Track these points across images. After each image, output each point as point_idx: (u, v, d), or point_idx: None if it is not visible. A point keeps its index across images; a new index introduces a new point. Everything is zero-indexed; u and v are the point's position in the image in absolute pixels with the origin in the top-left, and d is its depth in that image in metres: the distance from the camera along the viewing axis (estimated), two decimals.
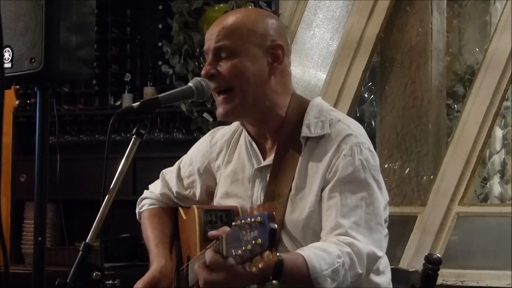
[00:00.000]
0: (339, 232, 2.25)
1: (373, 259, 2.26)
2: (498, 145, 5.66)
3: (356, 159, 2.31)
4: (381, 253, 2.29)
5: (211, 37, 2.43)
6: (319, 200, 2.32)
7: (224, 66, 2.38)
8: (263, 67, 2.39)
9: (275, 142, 2.45)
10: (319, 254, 2.16)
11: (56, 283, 2.10)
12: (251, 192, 2.46)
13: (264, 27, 2.42)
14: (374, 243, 2.27)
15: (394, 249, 4.37)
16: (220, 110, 2.42)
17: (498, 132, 5.62)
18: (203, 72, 2.41)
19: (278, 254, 2.05)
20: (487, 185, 5.60)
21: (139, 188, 2.82)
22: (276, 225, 1.83)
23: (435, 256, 2.55)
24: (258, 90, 2.39)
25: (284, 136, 2.42)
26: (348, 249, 2.19)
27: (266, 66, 2.40)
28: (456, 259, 4.37)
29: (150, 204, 2.74)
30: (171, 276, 2.54)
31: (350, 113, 4.82)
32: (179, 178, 2.69)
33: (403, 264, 4.34)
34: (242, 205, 2.46)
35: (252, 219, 1.85)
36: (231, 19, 2.43)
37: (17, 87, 5.59)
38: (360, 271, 2.21)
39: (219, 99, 2.41)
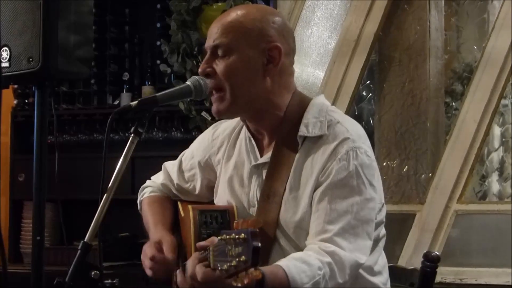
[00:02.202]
0: (323, 238, 2.24)
1: (355, 267, 2.25)
2: (496, 143, 5.65)
3: (350, 164, 2.29)
4: (364, 259, 2.27)
5: (210, 34, 2.42)
6: (312, 201, 2.32)
7: (219, 66, 2.38)
8: (257, 68, 2.38)
9: (273, 139, 2.44)
10: (300, 266, 2.15)
11: (55, 282, 2.10)
12: (247, 189, 2.46)
13: (262, 27, 2.39)
14: (359, 249, 2.26)
15: (393, 247, 4.37)
16: (213, 108, 2.42)
17: (497, 130, 5.61)
18: (200, 69, 2.41)
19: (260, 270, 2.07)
20: (486, 183, 5.60)
21: (137, 187, 2.82)
22: (259, 244, 1.84)
23: (434, 253, 2.56)
24: (251, 91, 2.38)
25: (282, 134, 2.41)
26: (329, 259, 2.19)
27: (261, 67, 2.38)
28: (455, 257, 4.37)
29: (151, 192, 2.73)
30: (174, 248, 2.47)
31: (348, 111, 4.81)
32: (180, 170, 2.68)
33: (402, 262, 4.34)
34: (240, 201, 2.46)
35: (237, 236, 1.88)
36: (230, 17, 2.41)
37: (15, 86, 5.60)
38: (340, 280, 2.21)
39: (213, 97, 2.41)
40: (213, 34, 2.41)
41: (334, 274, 2.19)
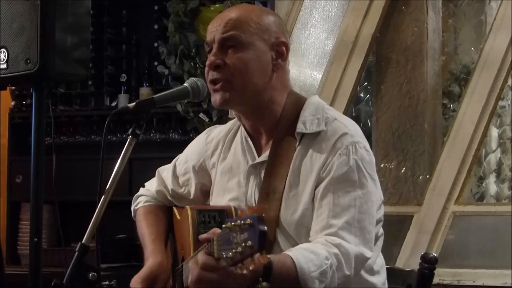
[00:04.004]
0: (328, 232, 2.25)
1: (361, 260, 2.26)
2: (494, 144, 5.65)
3: (351, 158, 2.31)
4: (370, 253, 2.28)
5: (216, 28, 2.40)
6: (313, 198, 2.32)
7: (231, 58, 2.36)
8: (267, 62, 2.39)
9: (270, 138, 2.44)
10: (307, 255, 2.16)
11: (52, 284, 2.09)
12: (245, 188, 2.45)
13: (269, 23, 2.42)
14: (365, 243, 2.26)
15: (391, 249, 4.36)
16: (217, 97, 2.38)
17: (494, 131, 5.61)
18: (208, 62, 2.39)
19: (267, 256, 2.07)
20: (483, 184, 5.59)
21: (135, 188, 2.81)
22: (266, 227, 1.84)
23: (431, 255, 2.55)
24: (259, 84, 2.38)
25: (279, 133, 2.41)
26: (336, 250, 2.19)
27: (270, 62, 2.40)
28: (453, 258, 4.36)
29: (146, 202, 2.72)
30: (167, 272, 2.53)
31: (346, 113, 4.81)
32: (175, 175, 2.68)
33: (400, 263, 4.34)
34: (238, 202, 2.46)
35: (242, 221, 1.86)
36: (237, 12, 2.42)
37: (13, 88, 5.60)
38: (347, 272, 2.21)
39: (216, 86, 2.38)
40: (220, 28, 2.39)
41: (341, 266, 2.19)
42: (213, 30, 2.41)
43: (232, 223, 1.88)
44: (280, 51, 2.42)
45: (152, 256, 2.53)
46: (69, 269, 2.10)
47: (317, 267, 2.15)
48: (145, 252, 2.58)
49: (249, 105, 2.42)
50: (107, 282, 4.75)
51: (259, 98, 2.39)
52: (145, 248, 2.59)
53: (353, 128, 2.38)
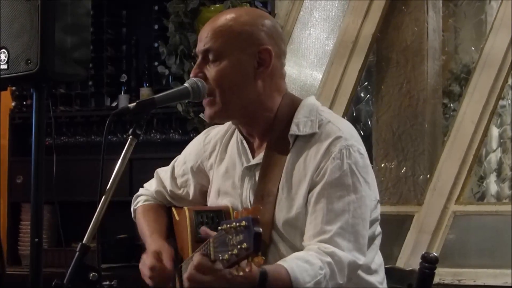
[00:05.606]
0: (321, 239, 2.24)
1: (353, 267, 2.26)
2: (494, 144, 5.66)
3: (344, 163, 2.29)
4: (362, 259, 2.28)
5: (200, 38, 2.42)
6: (307, 201, 2.32)
7: (210, 71, 2.38)
8: (248, 72, 2.38)
9: (265, 141, 2.43)
10: (302, 266, 2.16)
11: (53, 284, 2.09)
12: (240, 191, 2.45)
13: (252, 31, 2.39)
14: (359, 248, 2.26)
15: (391, 248, 4.37)
16: (205, 113, 2.43)
17: (494, 131, 5.62)
18: (191, 74, 2.41)
19: (262, 264, 2.07)
20: (484, 184, 5.60)
21: (135, 188, 2.81)
22: (260, 229, 1.84)
23: (432, 255, 2.55)
24: (243, 95, 2.38)
25: (274, 135, 2.41)
26: (329, 259, 2.19)
27: (252, 71, 2.38)
28: (453, 258, 4.37)
29: (145, 200, 2.72)
30: (172, 258, 2.49)
31: (346, 113, 4.82)
32: (173, 177, 2.67)
33: (400, 263, 4.34)
34: (233, 203, 2.46)
35: (237, 224, 1.87)
36: (220, 21, 2.41)
37: (13, 88, 5.60)
38: (340, 281, 2.21)
39: (205, 101, 2.41)
40: (203, 39, 2.41)
41: (335, 275, 2.20)
42: (199, 41, 2.43)
43: (228, 225, 1.89)
44: (263, 58, 2.38)
45: (154, 245, 2.51)
46: (70, 269, 2.10)
47: (312, 277, 2.15)
48: (146, 245, 2.56)
49: (237, 116, 2.44)
50: (107, 282, 4.75)
51: (247, 108, 2.40)
52: (146, 242, 2.57)
53: (347, 131, 2.37)
